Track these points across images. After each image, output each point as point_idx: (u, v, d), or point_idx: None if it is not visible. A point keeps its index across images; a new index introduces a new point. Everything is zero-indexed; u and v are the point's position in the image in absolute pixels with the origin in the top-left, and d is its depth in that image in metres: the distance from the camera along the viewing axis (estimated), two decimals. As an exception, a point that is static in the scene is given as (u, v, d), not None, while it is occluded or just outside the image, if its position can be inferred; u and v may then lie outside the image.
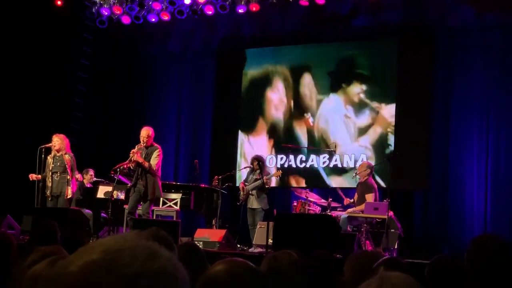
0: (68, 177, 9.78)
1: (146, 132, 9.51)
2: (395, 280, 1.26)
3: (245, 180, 10.89)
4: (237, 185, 11.24)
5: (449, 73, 11.72)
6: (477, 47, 11.52)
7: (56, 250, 2.13)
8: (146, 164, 9.29)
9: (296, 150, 12.36)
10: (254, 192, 10.62)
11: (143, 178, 9.34)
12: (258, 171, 10.54)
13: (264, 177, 10.32)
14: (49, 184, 9.78)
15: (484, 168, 11.08)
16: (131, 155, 9.37)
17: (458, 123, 11.49)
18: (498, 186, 10.94)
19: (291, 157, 12.44)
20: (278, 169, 11.42)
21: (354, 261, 3.12)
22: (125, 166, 9.65)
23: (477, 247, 2.95)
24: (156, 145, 9.56)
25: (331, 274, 4.23)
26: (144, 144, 9.45)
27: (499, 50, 11.33)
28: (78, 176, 10.31)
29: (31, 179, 9.94)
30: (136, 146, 9.49)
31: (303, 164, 12.48)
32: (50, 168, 9.79)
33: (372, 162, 11.34)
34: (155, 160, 9.37)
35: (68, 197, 9.80)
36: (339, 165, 12.24)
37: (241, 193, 10.77)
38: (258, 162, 10.62)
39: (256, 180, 10.55)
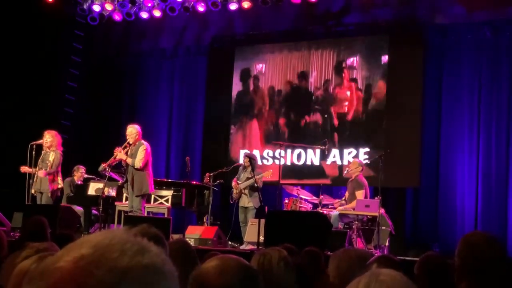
0: (50, 172, 9.77)
1: (131, 129, 9.56)
2: (384, 277, 1.27)
3: (237, 178, 10.88)
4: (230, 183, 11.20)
5: (439, 71, 11.76)
6: (467, 45, 11.55)
7: (49, 246, 2.13)
8: (129, 160, 9.33)
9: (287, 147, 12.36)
10: (246, 190, 10.62)
11: (131, 175, 9.37)
12: (249, 169, 10.53)
13: (256, 177, 10.32)
14: (35, 180, 9.78)
15: (475, 165, 11.12)
16: (115, 152, 9.42)
17: (449, 120, 11.52)
18: (488, 183, 10.98)
19: (286, 153, 12.43)
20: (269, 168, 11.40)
21: (338, 260, 3.13)
22: (112, 163, 9.67)
23: (467, 243, 2.96)
24: (142, 141, 9.57)
25: (322, 271, 4.24)
26: (131, 142, 9.47)
27: (490, 48, 11.37)
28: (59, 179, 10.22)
29: (22, 171, 9.92)
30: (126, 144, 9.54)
31: (297, 161, 12.50)
32: (38, 165, 9.79)
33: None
34: (139, 156, 9.38)
35: (49, 194, 9.78)
36: (331, 162, 12.25)
37: (234, 191, 10.76)
38: (250, 160, 10.61)
39: (248, 178, 10.55)
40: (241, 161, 11.73)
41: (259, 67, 13.22)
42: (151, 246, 0.96)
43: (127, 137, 9.53)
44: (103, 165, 9.85)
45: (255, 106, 13.13)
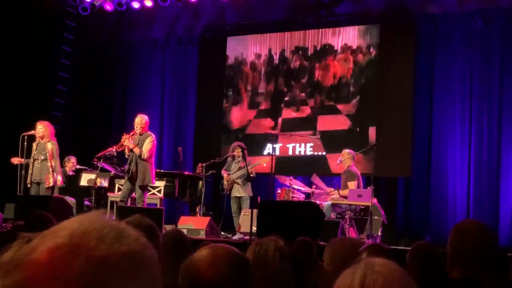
0: (48, 164, 9.73)
1: (139, 119, 9.53)
2: (379, 268, 1.26)
3: (227, 169, 10.85)
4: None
5: (431, 60, 11.76)
6: (459, 34, 11.57)
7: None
8: (137, 150, 9.29)
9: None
10: (239, 180, 10.61)
11: (135, 165, 9.33)
12: (240, 159, 10.53)
13: (249, 167, 10.31)
14: (30, 171, 9.75)
15: (466, 154, 11.15)
16: (122, 139, 9.37)
17: (440, 109, 11.54)
18: (480, 172, 11.01)
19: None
20: (266, 155, 11.32)
21: (333, 248, 3.14)
22: (114, 149, 9.61)
23: (459, 231, 2.97)
24: (149, 132, 9.57)
25: (315, 261, 4.25)
26: (138, 131, 9.45)
27: (481, 37, 11.39)
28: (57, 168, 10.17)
29: (14, 163, 9.88)
30: (130, 133, 9.51)
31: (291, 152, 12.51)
32: (33, 155, 9.76)
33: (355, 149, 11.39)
34: (147, 146, 9.36)
35: (50, 185, 9.74)
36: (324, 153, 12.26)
37: (225, 182, 10.74)
38: (241, 150, 10.60)
39: (240, 168, 10.53)
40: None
41: (250, 57, 13.19)
42: (130, 230, 0.92)
43: (135, 126, 9.51)
44: (112, 150, 9.76)
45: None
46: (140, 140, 9.43)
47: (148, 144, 9.40)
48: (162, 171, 11.92)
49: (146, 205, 10.37)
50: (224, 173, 10.80)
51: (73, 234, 0.88)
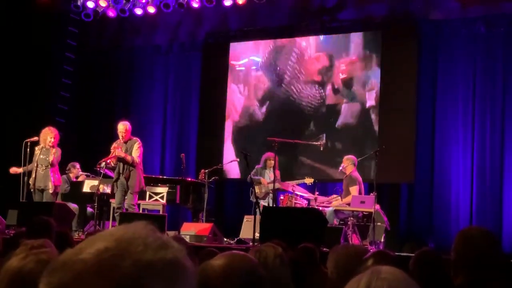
0: (50, 169, 9.76)
1: (123, 126, 9.58)
2: (385, 275, 1.26)
3: (262, 176, 10.81)
4: (246, 179, 11.02)
5: (433, 66, 11.76)
6: (462, 40, 11.56)
7: (44, 243, 2.11)
8: (129, 158, 9.34)
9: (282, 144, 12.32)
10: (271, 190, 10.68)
11: (125, 172, 9.37)
12: (272, 169, 10.56)
13: (291, 182, 10.35)
14: (33, 176, 9.77)
15: (469, 160, 11.13)
16: (112, 150, 9.41)
17: (443, 115, 11.53)
18: (483, 178, 10.99)
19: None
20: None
21: (337, 255, 3.13)
22: (109, 161, 9.65)
23: (464, 238, 2.96)
24: (134, 138, 9.61)
25: (317, 267, 4.24)
26: (123, 139, 9.49)
27: (483, 42, 11.39)
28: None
29: (11, 173, 9.92)
30: (115, 142, 9.54)
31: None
32: (37, 160, 9.77)
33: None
34: (136, 152, 9.44)
35: (51, 191, 9.77)
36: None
37: (258, 189, 10.55)
38: (272, 160, 10.64)
39: (275, 179, 10.56)
40: (236, 158, 11.69)
41: (253, 62, 13.20)
42: (172, 241, 0.97)
43: (119, 134, 9.55)
44: (103, 163, 9.81)
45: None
46: (128, 147, 9.48)
47: (137, 150, 9.50)
48: (164, 177, 11.93)
49: (148, 211, 10.41)
50: (262, 180, 10.74)
51: (120, 239, 0.92)
